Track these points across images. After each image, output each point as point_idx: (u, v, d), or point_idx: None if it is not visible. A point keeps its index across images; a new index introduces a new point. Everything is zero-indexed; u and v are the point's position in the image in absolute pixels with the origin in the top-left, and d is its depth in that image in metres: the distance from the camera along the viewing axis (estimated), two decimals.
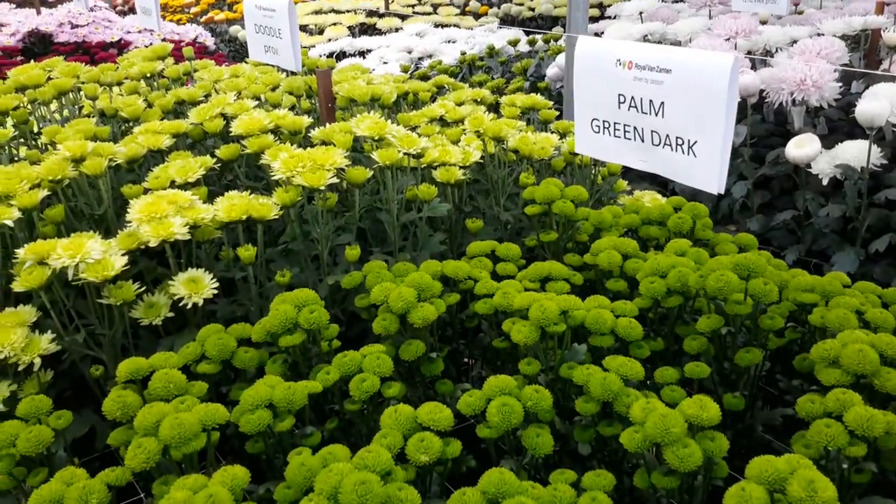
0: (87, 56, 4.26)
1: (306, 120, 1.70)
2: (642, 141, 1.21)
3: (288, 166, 1.48)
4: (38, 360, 1.32)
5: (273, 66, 2.11)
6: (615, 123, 1.24)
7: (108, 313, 1.41)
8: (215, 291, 1.42)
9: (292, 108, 1.96)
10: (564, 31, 4.66)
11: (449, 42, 5.14)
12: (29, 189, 1.46)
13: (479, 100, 2.37)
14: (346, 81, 1.98)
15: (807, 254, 2.43)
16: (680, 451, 1.01)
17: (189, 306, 1.40)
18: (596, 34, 4.29)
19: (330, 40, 5.39)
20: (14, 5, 5.44)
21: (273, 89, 1.96)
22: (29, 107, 1.95)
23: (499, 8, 6.36)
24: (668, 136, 1.16)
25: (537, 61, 4.20)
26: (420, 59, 4.90)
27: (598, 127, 1.28)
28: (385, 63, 4.76)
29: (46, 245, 1.33)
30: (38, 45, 4.43)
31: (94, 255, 1.32)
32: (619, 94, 1.21)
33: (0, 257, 1.43)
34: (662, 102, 1.14)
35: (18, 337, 1.31)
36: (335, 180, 1.48)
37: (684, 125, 1.12)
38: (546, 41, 4.44)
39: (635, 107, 1.19)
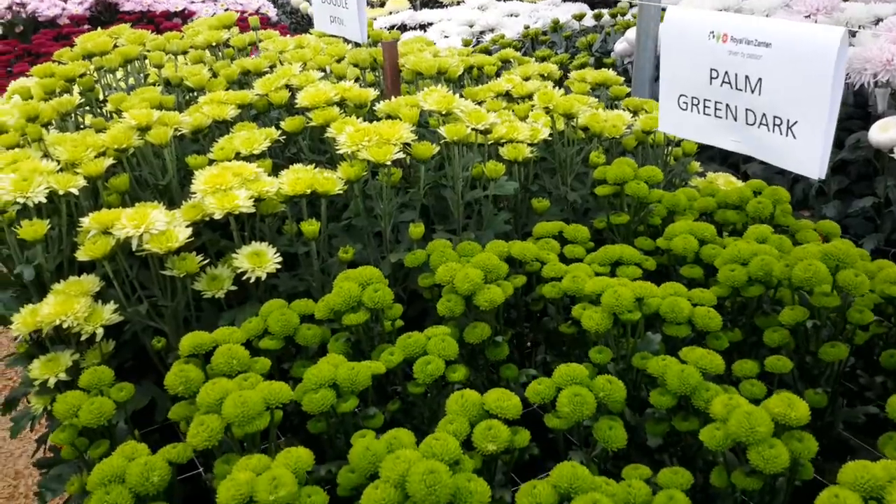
0: (151, 25, 4.29)
1: (372, 93, 1.66)
2: (735, 120, 1.13)
3: (354, 140, 1.45)
4: (100, 331, 1.32)
5: (338, 37, 2.07)
6: (705, 100, 1.17)
7: (171, 285, 1.39)
8: (278, 266, 1.40)
9: (356, 81, 1.92)
10: (632, 5, 4.54)
11: (511, 16, 5.05)
12: (94, 157, 1.45)
13: (545, 75, 2.30)
14: (412, 54, 1.93)
15: (886, 243, 2.32)
16: (766, 451, 0.95)
17: (252, 280, 1.38)
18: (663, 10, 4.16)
19: (391, 13, 5.34)
20: None
21: (338, 61, 1.92)
22: (95, 74, 1.94)
23: None
24: (764, 115, 1.08)
25: (603, 36, 4.09)
26: (481, 32, 4.82)
27: (686, 104, 1.21)
28: (446, 37, 4.70)
29: (111, 214, 1.32)
30: (104, 14, 4.48)
31: (158, 225, 1.31)
32: (712, 69, 1.14)
33: (66, 225, 1.42)
34: (760, 79, 1.06)
35: (82, 306, 1.30)
36: (401, 155, 1.44)
37: (784, 104, 1.04)
38: (613, 16, 4.32)
39: (729, 83, 1.11)
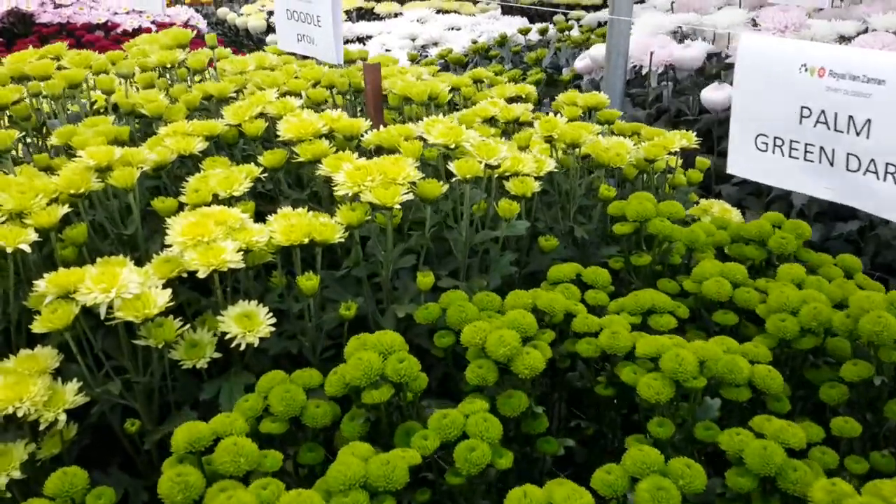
0: (71, 38, 3.97)
1: (364, 123, 1.47)
2: (831, 165, 1.01)
3: (354, 180, 1.27)
4: (62, 417, 1.10)
5: (308, 57, 1.87)
6: (793, 142, 1.04)
7: (145, 355, 1.18)
8: (272, 329, 1.20)
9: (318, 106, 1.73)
10: (578, 20, 4.45)
11: (452, 29, 4.92)
12: (46, 205, 1.22)
13: (523, 96, 2.16)
14: (393, 77, 1.76)
15: (871, 266, 2.27)
16: None
17: (242, 347, 1.18)
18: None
19: None
20: None
21: (314, 85, 1.73)
22: (29, 101, 1.70)
23: None
24: (873, 161, 0.96)
25: (553, 51, 3.99)
26: (423, 46, 4.67)
27: (766, 144, 1.07)
28: (387, 51, 4.52)
29: (72, 275, 1.10)
30: (17, 26, 4.13)
31: (131, 288, 1.10)
32: (803, 107, 1.01)
33: (13, 287, 1.19)
34: (868, 119, 0.94)
35: (39, 388, 1.08)
36: (409, 197, 1.27)
37: None
38: (561, 30, 4.23)
39: (825, 123, 0.98)
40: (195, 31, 4.42)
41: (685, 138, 1.73)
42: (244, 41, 5.52)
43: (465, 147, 1.36)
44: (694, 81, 2.95)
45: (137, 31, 4.18)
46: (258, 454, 0.97)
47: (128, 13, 4.34)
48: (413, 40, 4.69)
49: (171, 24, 4.31)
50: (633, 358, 1.19)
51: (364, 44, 4.78)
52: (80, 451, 1.22)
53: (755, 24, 3.03)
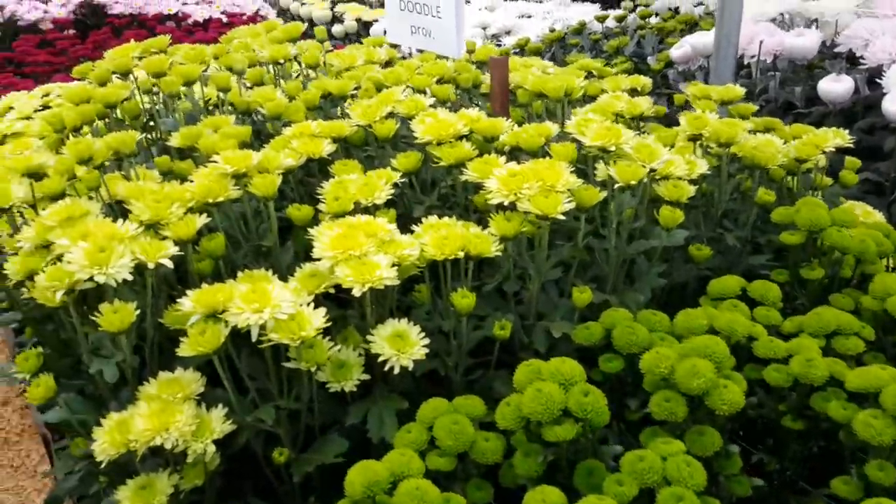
0: (143, 29, 3.93)
1: (505, 124, 1.36)
2: None
3: (509, 187, 1.15)
4: (211, 448, 1.01)
5: (423, 50, 1.76)
6: None
7: (291, 378, 1.09)
8: (426, 350, 1.10)
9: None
10: (634, 4, 4.27)
11: (523, 17, 4.78)
12: (183, 214, 1.13)
13: (638, 89, 2.03)
14: (516, 70, 1.64)
15: None
16: None
17: (397, 370, 1.08)
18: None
19: None
20: None
21: (439, 82, 1.62)
22: (140, 98, 1.62)
23: None
24: None
25: (637, 39, 3.84)
26: (495, 35, 4.55)
27: None
28: None
29: (218, 293, 1.01)
30: (90, 17, 4.10)
31: (285, 308, 1.00)
32: None
33: (150, 305, 1.10)
34: None
35: (186, 417, 0.99)
36: (571, 206, 1.15)
37: None
38: (643, 17, 4.07)
39: None
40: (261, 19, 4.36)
41: (838, 136, 1.59)
42: (308, 31, 5.45)
43: (623, 149, 1.24)
44: (798, 72, 2.79)
45: (208, 22, 4.13)
46: (441, 498, 0.87)
47: (197, 3, 4.29)
48: (484, 29, 4.57)
49: (242, 14, 4.25)
50: (825, 387, 1.07)
51: None
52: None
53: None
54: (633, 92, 2.02)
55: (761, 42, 2.60)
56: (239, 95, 1.56)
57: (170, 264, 1.06)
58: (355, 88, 1.57)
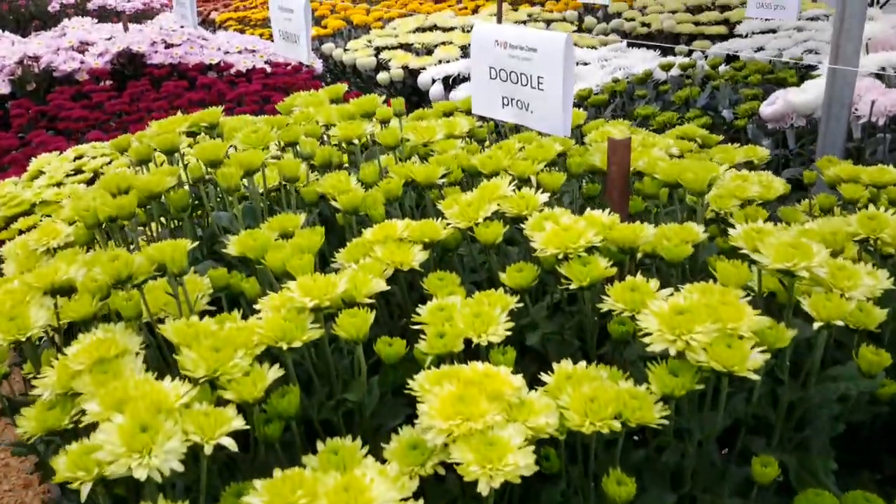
0: (183, 80, 3.73)
1: (649, 231, 1.08)
2: None
3: (675, 329, 0.87)
4: None
5: (527, 127, 1.49)
6: None
7: None
8: None
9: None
10: (689, 50, 3.99)
11: (580, 63, 4.54)
12: (250, 366, 0.86)
13: (755, 161, 1.75)
14: (644, 151, 1.36)
15: None
16: None
17: None
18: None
19: (440, 62, 4.81)
20: (95, 20, 4.94)
21: (549, 166, 1.34)
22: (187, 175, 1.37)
23: (607, 24, 5.70)
24: None
25: (709, 90, 3.56)
26: None
27: None
28: None
29: (297, 487, 0.74)
30: (128, 67, 3.91)
31: None
32: None
33: (203, 488, 0.83)
34: None
35: None
36: (765, 356, 0.87)
37: None
38: (713, 66, 3.80)
39: None
40: (307, 70, 4.15)
41: None
42: (351, 78, 5.25)
43: (816, 272, 0.95)
44: None
45: (251, 72, 3.93)
46: None
47: (240, 52, 4.09)
48: None
49: (287, 65, 4.04)
50: None
51: None
52: None
53: None
54: (749, 165, 1.75)
55: (873, 102, 2.31)
56: (305, 178, 1.30)
57: (233, 445, 0.79)
58: (444, 175, 1.31)
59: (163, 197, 1.32)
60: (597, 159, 1.40)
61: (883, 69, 2.72)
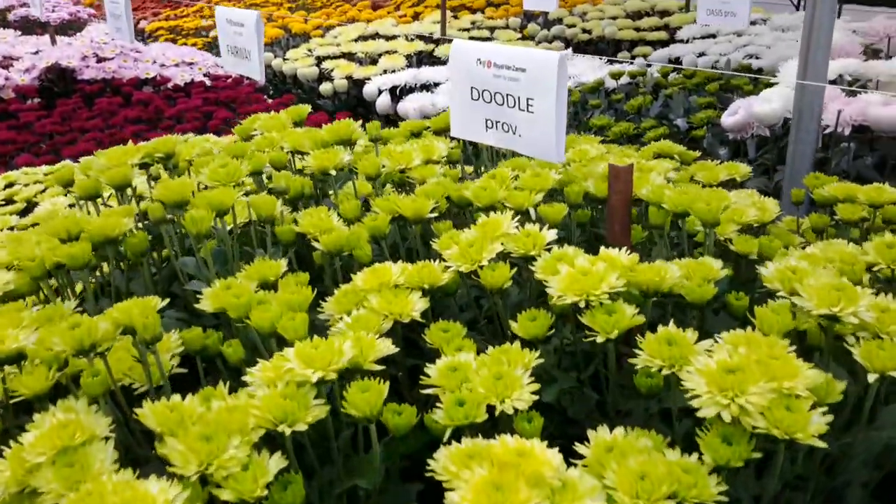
0: (117, 96, 3.53)
1: (673, 271, 0.99)
2: None
3: (726, 390, 0.78)
4: None
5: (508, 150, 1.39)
6: None
7: None
8: None
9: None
10: (631, 56, 3.96)
11: None
12: (247, 456, 0.74)
13: (737, 178, 1.70)
14: (642, 177, 1.27)
15: None
16: None
17: None
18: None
19: (385, 72, 4.69)
20: (18, 32, 4.66)
21: (548, 196, 1.24)
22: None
23: (548, 30, 5.66)
24: None
25: (662, 100, 3.53)
26: None
27: None
28: None
29: None
30: (57, 83, 3.68)
31: None
32: None
33: None
34: None
35: None
36: (826, 421, 0.78)
37: None
38: (665, 74, 3.77)
39: None
40: (249, 83, 3.97)
41: None
42: (292, 89, 5.08)
43: (863, 318, 0.87)
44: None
45: (190, 86, 3.74)
46: None
47: (177, 65, 3.90)
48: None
49: (227, 77, 3.87)
50: None
51: (430, 91, 4.35)
52: None
53: None
54: (732, 184, 1.69)
55: (839, 112, 2.29)
56: (279, 216, 1.18)
57: None
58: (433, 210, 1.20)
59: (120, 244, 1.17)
60: (590, 185, 1.31)
61: (840, 76, 2.71)
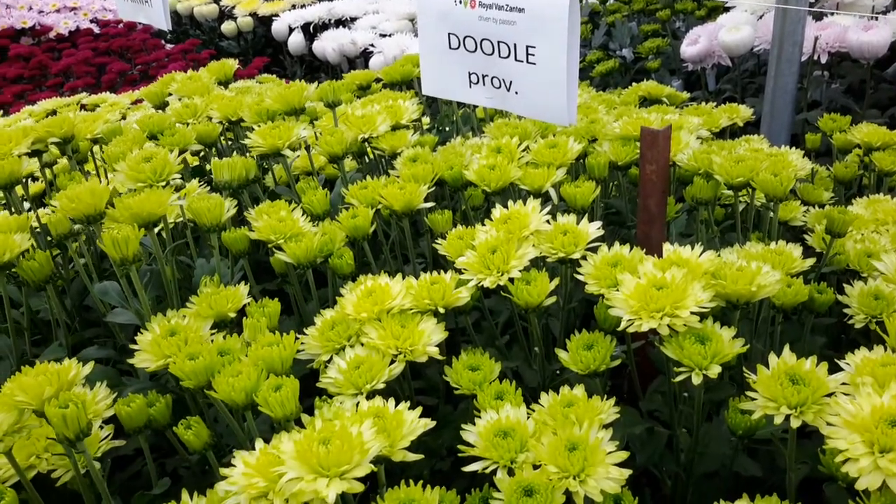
0: None
1: (799, 257, 0.77)
2: None
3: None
4: None
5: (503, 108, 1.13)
6: None
7: None
8: None
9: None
10: None
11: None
12: None
13: (740, 122, 1.50)
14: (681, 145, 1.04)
15: None
16: None
17: None
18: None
19: (294, 6, 4.30)
20: None
21: (568, 170, 0.98)
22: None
23: None
24: None
25: (605, 27, 3.29)
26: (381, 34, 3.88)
27: None
28: (384, 36, 3.74)
29: None
30: None
31: None
32: None
33: None
34: None
35: None
36: None
37: None
38: (603, 1, 3.53)
39: None
40: (143, 27, 3.53)
41: None
42: (191, 31, 4.62)
43: None
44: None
45: (75, 35, 3.29)
46: None
47: (58, 11, 3.42)
48: (412, 21, 3.93)
49: (118, 23, 3.42)
50: None
51: (348, 27, 3.99)
52: None
53: None
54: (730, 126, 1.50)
55: (816, 38, 2.10)
56: (226, 218, 0.90)
57: None
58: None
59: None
60: (607, 149, 1.08)
61: (812, 4, 2.53)
